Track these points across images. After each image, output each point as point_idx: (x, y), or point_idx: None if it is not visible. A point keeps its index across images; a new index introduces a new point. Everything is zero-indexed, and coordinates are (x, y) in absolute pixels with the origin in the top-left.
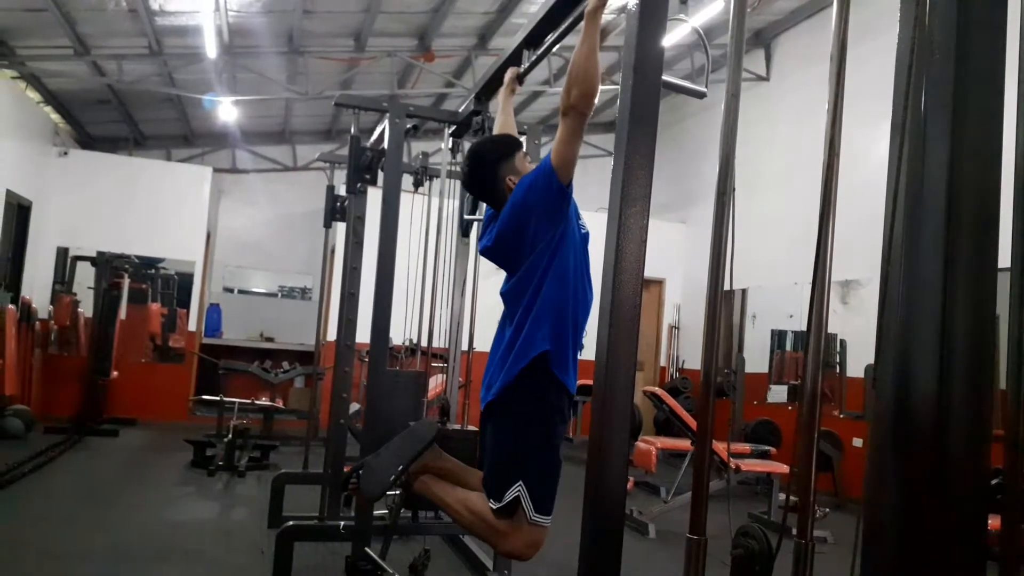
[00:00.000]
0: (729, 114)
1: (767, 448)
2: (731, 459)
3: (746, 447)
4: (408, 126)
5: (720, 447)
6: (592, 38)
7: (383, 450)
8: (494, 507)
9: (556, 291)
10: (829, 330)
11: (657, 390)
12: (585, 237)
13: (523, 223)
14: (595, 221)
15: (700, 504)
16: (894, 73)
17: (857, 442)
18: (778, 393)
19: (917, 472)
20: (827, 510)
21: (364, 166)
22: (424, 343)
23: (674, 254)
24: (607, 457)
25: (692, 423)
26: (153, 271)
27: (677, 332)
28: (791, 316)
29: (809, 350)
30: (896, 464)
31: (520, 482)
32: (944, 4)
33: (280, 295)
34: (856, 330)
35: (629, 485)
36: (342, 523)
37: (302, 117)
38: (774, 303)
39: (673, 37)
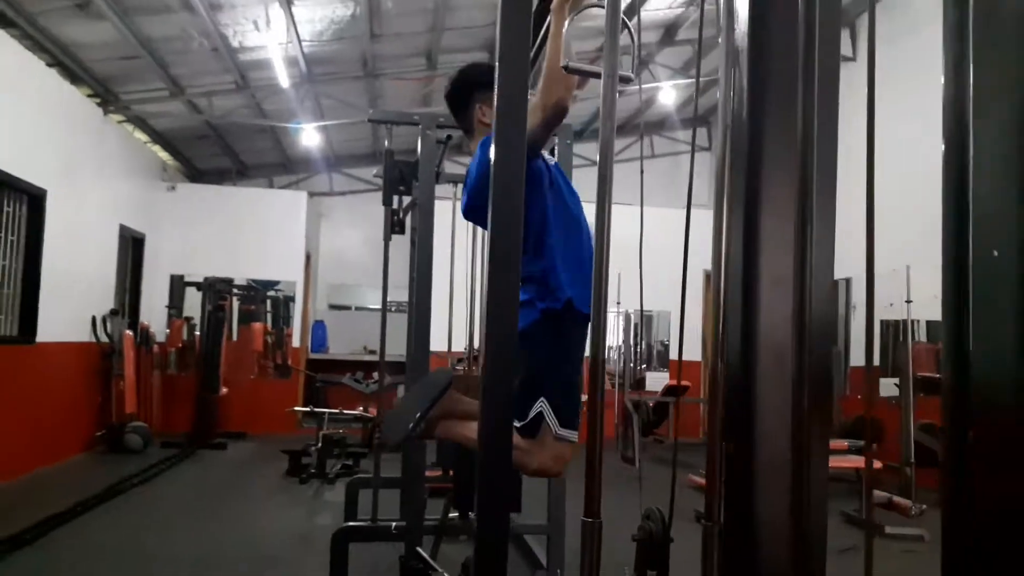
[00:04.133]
0: None
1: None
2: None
3: (843, 443)
4: (443, 137)
5: None
6: (557, 38)
7: (402, 399)
8: (518, 426)
9: (555, 236)
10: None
11: None
12: (556, 166)
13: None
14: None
15: (594, 485)
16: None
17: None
18: (888, 387)
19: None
20: (924, 507)
21: (397, 179)
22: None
23: None
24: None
25: None
26: (252, 293)
27: None
28: (891, 304)
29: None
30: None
31: (542, 398)
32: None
33: (393, 309)
34: None
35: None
36: (393, 524)
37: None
38: (878, 291)
39: None
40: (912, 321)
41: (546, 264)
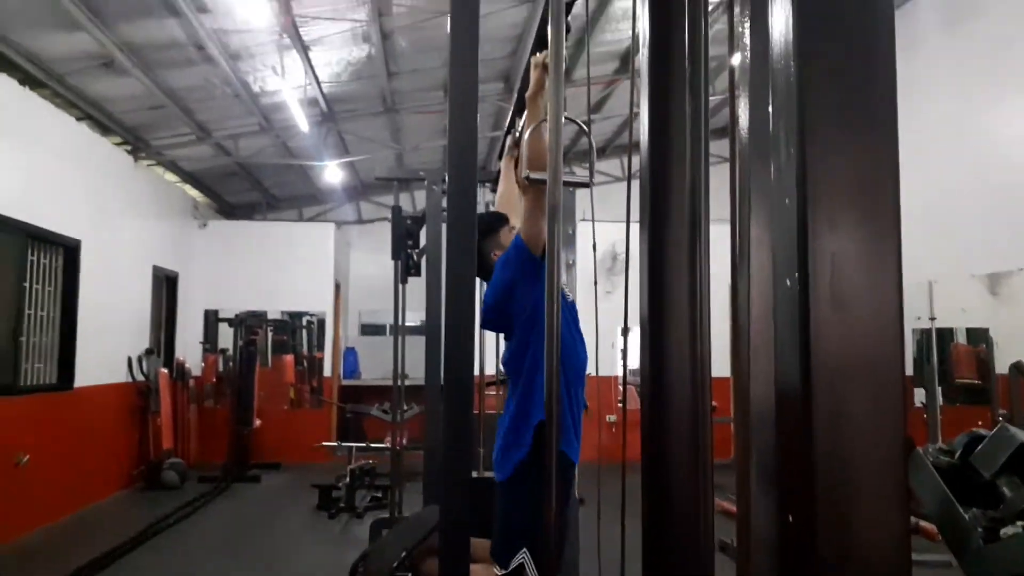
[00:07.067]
0: None
1: None
2: None
3: None
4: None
5: None
6: (536, 121)
7: (389, 534)
8: (500, 573)
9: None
10: (978, 324)
11: None
12: (571, 305)
13: (505, 298)
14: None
15: None
16: None
17: None
18: (920, 398)
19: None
20: None
21: (404, 233)
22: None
23: None
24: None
25: None
26: (282, 324)
27: None
28: (919, 318)
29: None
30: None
31: (524, 549)
32: None
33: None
34: (1006, 324)
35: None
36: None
37: (415, 166)
38: (908, 303)
39: None
40: (952, 329)
41: (537, 387)
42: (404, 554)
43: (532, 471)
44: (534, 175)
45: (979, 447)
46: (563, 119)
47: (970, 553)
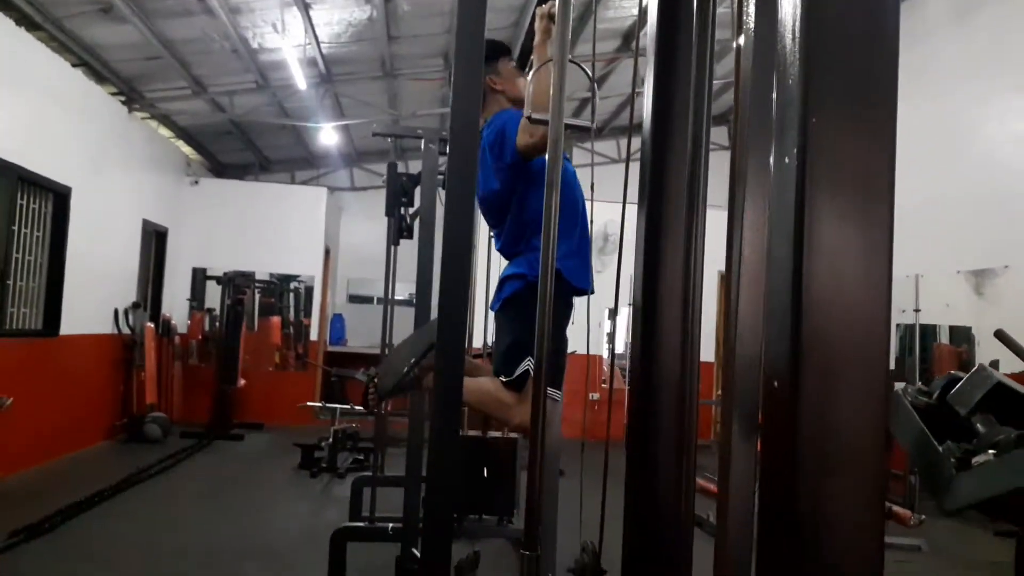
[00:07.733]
0: None
1: None
2: None
3: None
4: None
5: None
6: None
7: (395, 351)
8: (505, 380)
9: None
10: (961, 322)
11: None
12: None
13: (491, 176)
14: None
15: (533, 517)
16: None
17: None
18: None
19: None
20: (923, 517)
21: (399, 190)
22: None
23: None
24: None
25: None
26: (270, 286)
27: None
28: (903, 311)
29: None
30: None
31: (529, 357)
32: None
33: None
34: (991, 323)
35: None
36: (390, 525)
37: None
38: (894, 296)
39: None
40: (935, 326)
41: (538, 241)
42: (413, 362)
43: (527, 292)
44: (536, 115)
45: (956, 387)
46: (567, 60)
47: (943, 482)
